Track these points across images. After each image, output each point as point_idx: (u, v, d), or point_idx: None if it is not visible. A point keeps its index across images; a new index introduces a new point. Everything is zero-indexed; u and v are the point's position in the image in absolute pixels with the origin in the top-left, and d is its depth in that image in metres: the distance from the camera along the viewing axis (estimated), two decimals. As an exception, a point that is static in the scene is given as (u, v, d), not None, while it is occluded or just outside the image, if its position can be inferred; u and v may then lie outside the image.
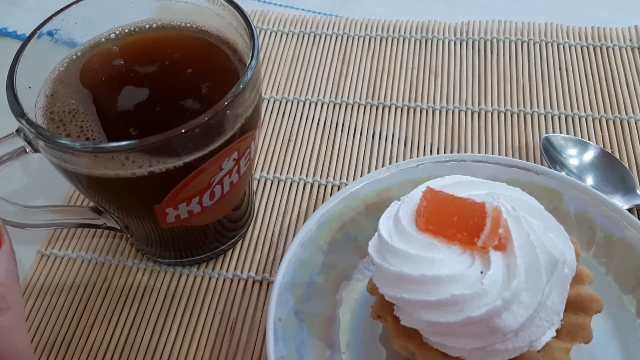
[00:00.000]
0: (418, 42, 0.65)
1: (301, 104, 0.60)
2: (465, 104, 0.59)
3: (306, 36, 0.66)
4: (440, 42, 0.64)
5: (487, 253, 0.34)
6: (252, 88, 0.38)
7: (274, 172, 0.55)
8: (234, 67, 0.42)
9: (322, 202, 0.51)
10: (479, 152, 0.55)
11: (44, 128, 0.37)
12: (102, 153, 0.35)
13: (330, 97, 0.60)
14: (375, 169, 0.53)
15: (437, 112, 0.58)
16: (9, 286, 0.31)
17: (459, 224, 0.35)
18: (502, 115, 0.58)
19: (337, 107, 0.60)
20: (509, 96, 0.59)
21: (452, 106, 0.59)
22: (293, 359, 0.40)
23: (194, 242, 0.47)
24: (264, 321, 0.46)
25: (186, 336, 0.45)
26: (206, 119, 0.35)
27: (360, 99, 0.60)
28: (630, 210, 0.48)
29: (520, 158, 0.54)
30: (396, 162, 0.54)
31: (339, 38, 0.66)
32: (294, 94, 0.61)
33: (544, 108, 0.58)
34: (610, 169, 0.51)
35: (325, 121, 0.59)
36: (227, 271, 0.49)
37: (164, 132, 0.34)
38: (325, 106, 0.60)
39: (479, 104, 0.59)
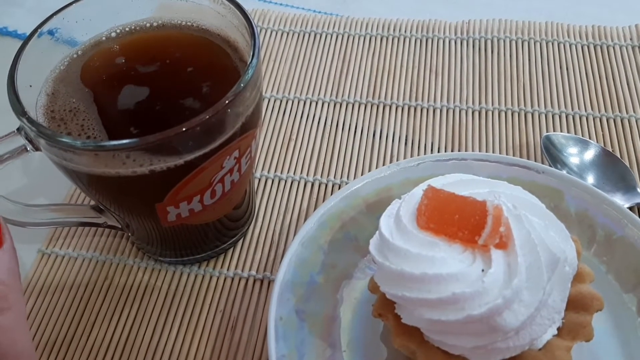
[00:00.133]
0: (418, 41, 0.65)
1: (302, 103, 0.60)
2: (466, 103, 0.59)
3: (307, 35, 0.66)
4: (441, 41, 0.64)
5: (488, 251, 0.34)
6: (253, 87, 0.38)
7: (275, 171, 0.55)
8: (234, 66, 0.42)
9: (323, 201, 0.51)
10: (479, 151, 0.55)
11: (45, 126, 0.37)
12: (103, 151, 0.35)
13: (330, 96, 0.60)
14: (376, 168, 0.53)
15: (438, 111, 0.58)
16: (10, 285, 0.31)
17: (460, 222, 0.35)
18: (503, 113, 0.58)
19: (338, 106, 0.60)
20: (510, 95, 0.59)
21: (452, 105, 0.59)
22: (294, 358, 0.40)
23: (195, 241, 0.47)
24: (265, 320, 0.46)
25: (187, 335, 0.45)
26: (207, 117, 0.35)
27: (360, 97, 0.60)
28: (631, 208, 0.48)
29: (521, 157, 0.54)
30: (397, 160, 0.54)
31: (340, 37, 0.66)
32: (295, 93, 0.61)
33: (545, 107, 0.58)
34: (611, 168, 0.51)
35: (325, 120, 0.59)
36: (228, 270, 0.49)
37: (164, 130, 0.34)
38: (325, 105, 0.60)
39: (480, 103, 0.59)
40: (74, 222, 0.47)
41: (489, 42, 0.64)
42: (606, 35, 0.64)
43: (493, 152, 0.55)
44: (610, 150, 0.54)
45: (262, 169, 0.55)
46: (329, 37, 0.66)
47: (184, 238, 0.46)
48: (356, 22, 0.67)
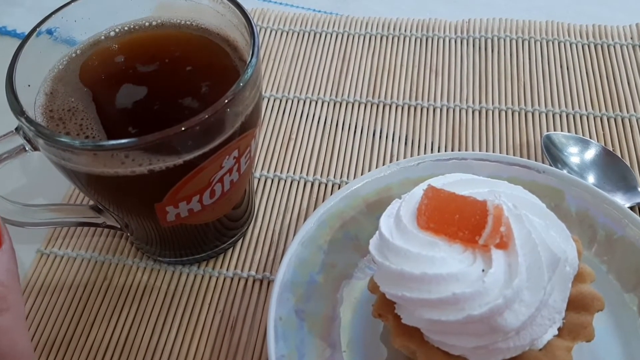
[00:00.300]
0: (418, 41, 0.65)
1: (301, 103, 0.60)
2: (466, 102, 0.59)
3: (306, 34, 0.66)
4: (441, 40, 0.64)
5: (488, 251, 0.34)
6: (253, 86, 0.38)
7: (274, 171, 0.55)
8: (234, 65, 0.42)
9: (323, 201, 0.51)
10: (480, 150, 0.55)
11: (44, 126, 0.37)
12: (102, 151, 0.35)
13: (330, 95, 0.60)
14: (376, 168, 0.53)
15: (438, 111, 0.58)
16: (9, 286, 0.31)
17: (460, 222, 0.35)
18: (503, 113, 0.58)
19: (338, 105, 0.60)
20: (510, 94, 0.59)
21: (452, 104, 0.59)
22: (294, 358, 0.39)
23: (194, 241, 0.47)
24: (265, 320, 0.46)
25: (186, 335, 0.45)
26: (206, 116, 0.35)
27: (360, 97, 0.60)
28: (631, 208, 0.48)
29: (521, 156, 0.54)
30: (397, 160, 0.54)
31: (339, 36, 0.66)
32: (294, 92, 0.61)
33: (545, 106, 0.58)
34: (612, 167, 0.51)
35: (325, 119, 0.58)
36: (227, 270, 0.49)
37: (163, 130, 0.34)
38: (325, 104, 0.60)
39: (480, 102, 0.59)
40: (72, 222, 0.47)
41: (489, 41, 0.64)
42: (606, 34, 0.64)
43: (493, 151, 0.55)
44: (611, 149, 0.53)
45: (262, 169, 0.55)
46: (328, 36, 0.66)
47: (183, 238, 0.46)
48: (356, 21, 0.67)
